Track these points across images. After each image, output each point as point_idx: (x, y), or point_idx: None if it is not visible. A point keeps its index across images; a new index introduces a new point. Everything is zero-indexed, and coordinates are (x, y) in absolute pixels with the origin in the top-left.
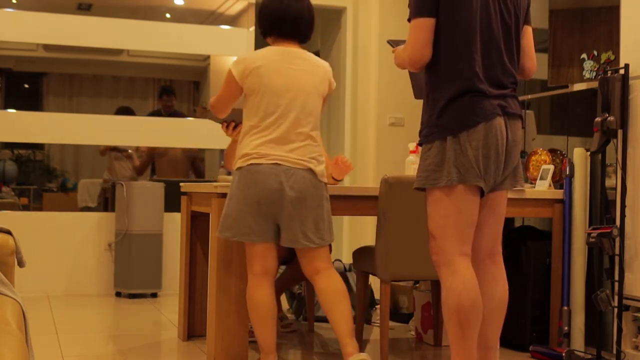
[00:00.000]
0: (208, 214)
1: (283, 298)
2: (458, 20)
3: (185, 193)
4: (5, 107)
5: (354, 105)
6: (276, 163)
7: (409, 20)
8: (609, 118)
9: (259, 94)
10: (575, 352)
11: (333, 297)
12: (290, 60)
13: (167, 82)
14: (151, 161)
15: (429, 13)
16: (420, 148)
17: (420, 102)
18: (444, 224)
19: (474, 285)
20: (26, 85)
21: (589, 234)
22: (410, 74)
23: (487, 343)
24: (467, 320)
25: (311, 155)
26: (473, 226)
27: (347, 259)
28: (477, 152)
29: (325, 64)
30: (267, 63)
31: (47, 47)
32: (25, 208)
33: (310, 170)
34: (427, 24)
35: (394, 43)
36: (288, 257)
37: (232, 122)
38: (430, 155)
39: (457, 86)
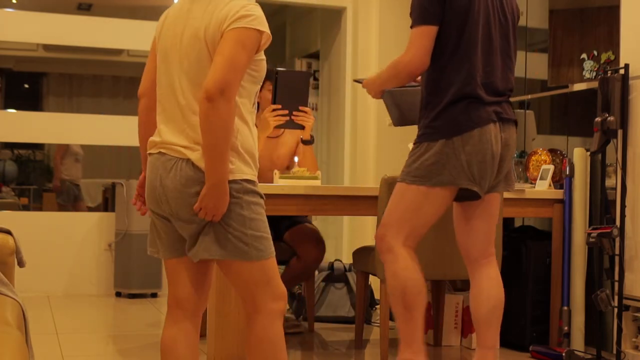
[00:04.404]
0: None
1: None
2: (461, 28)
3: None
4: (5, 107)
5: (354, 105)
6: None
7: (412, 27)
8: (609, 118)
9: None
10: (575, 352)
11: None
12: None
13: None
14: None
15: (433, 21)
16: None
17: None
18: (404, 215)
19: (416, 270)
20: (26, 85)
21: (589, 234)
22: (387, 100)
23: (486, 343)
24: (413, 303)
25: None
26: (427, 227)
27: (347, 259)
28: (470, 157)
29: None
30: None
31: (47, 47)
32: (25, 208)
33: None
34: (430, 31)
35: (360, 80)
36: (286, 258)
37: None
38: (418, 154)
39: (456, 92)
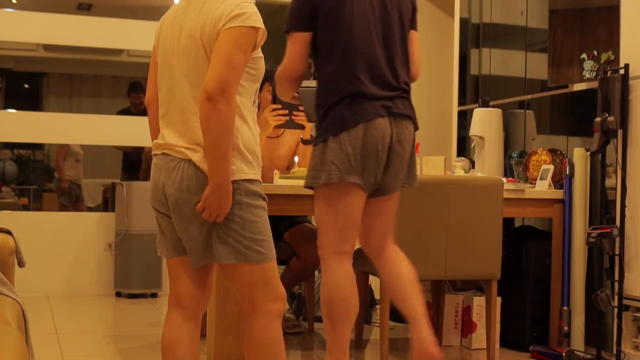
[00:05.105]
0: None
1: None
2: (336, 29)
3: None
4: (5, 107)
5: None
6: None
7: (286, 32)
8: (609, 118)
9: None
10: (575, 352)
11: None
12: None
13: None
14: (147, 163)
15: (304, 27)
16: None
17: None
18: (324, 220)
19: (345, 283)
20: (26, 85)
21: (589, 234)
22: (300, 98)
23: (413, 314)
24: (337, 314)
25: None
26: (353, 225)
27: None
28: (355, 151)
29: None
30: None
31: (47, 47)
32: (25, 208)
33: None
34: (300, 37)
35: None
36: (286, 258)
37: None
38: (314, 155)
39: (341, 90)
